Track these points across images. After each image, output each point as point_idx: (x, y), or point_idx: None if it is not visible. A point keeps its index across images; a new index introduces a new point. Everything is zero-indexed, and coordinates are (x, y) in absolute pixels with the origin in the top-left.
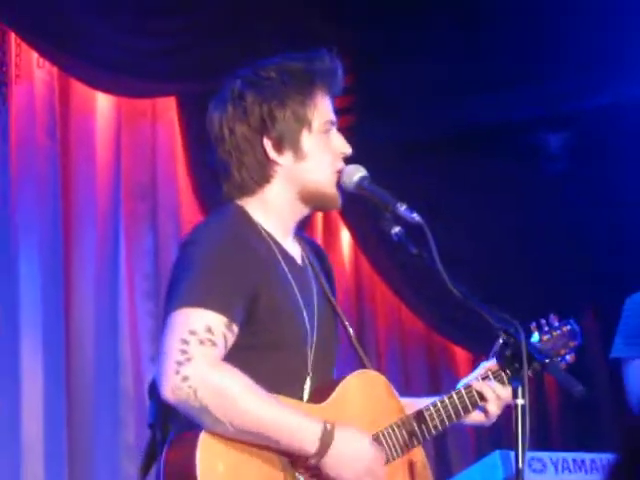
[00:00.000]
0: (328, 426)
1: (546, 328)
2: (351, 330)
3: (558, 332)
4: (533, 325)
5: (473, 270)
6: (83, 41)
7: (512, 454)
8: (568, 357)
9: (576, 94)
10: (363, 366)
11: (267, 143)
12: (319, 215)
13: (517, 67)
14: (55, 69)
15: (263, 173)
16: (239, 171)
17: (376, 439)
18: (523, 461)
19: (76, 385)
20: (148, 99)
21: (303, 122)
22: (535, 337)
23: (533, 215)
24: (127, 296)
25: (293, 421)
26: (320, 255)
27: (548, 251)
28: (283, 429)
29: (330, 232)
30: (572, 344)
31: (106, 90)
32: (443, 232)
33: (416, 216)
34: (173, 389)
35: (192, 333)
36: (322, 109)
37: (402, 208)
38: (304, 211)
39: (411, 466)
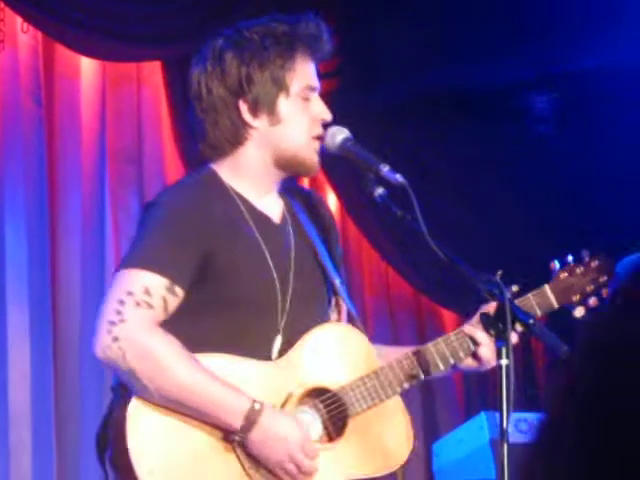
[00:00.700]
0: (257, 405)
1: (569, 264)
2: (338, 284)
3: (582, 268)
4: (554, 262)
5: (461, 233)
6: (67, 5)
7: (498, 415)
8: (598, 295)
9: (564, 57)
10: (351, 319)
11: (242, 105)
12: (305, 179)
13: (505, 30)
14: (39, 34)
15: (237, 135)
16: (213, 131)
17: (342, 390)
18: (508, 421)
19: (63, 350)
20: (133, 63)
21: (280, 86)
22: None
23: (522, 177)
24: (113, 259)
25: (220, 394)
26: (317, 209)
27: (537, 213)
28: (209, 401)
29: None
30: (602, 280)
31: (91, 55)
32: (431, 196)
33: (399, 177)
34: (103, 348)
35: (129, 294)
36: (302, 74)
37: (385, 169)
38: (280, 174)
39: (388, 418)
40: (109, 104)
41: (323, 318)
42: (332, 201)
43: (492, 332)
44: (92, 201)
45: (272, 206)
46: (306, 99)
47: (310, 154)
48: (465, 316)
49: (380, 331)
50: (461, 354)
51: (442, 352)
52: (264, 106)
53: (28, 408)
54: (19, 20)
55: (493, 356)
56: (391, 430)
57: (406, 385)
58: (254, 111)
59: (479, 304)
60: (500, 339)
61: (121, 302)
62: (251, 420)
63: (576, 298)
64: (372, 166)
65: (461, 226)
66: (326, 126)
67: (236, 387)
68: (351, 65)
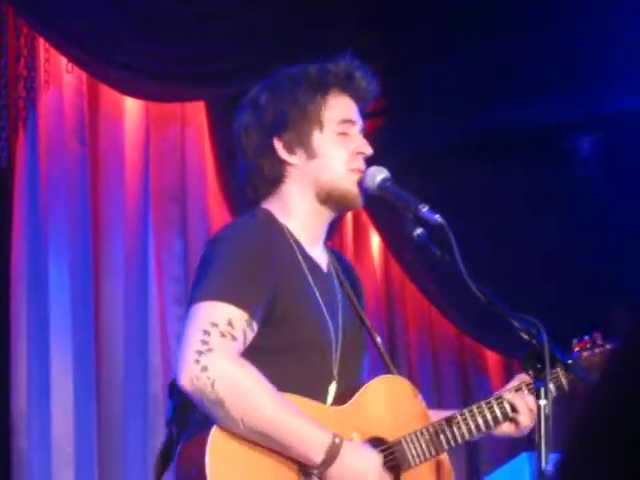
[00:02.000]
0: (337, 439)
1: (588, 345)
2: (378, 338)
3: (599, 349)
4: (575, 342)
5: (502, 276)
6: (111, 46)
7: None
8: None
9: (607, 98)
10: (389, 373)
11: (278, 144)
12: (349, 219)
13: (549, 71)
14: (84, 74)
15: (276, 174)
16: (258, 174)
17: (398, 444)
18: (546, 461)
19: (106, 390)
20: (177, 103)
21: (314, 121)
22: (576, 351)
23: (566, 220)
24: (157, 301)
25: (303, 427)
26: (348, 267)
27: (581, 257)
28: (292, 434)
29: (360, 236)
30: None
31: (134, 95)
32: (472, 238)
33: (438, 217)
34: (192, 378)
35: (214, 325)
36: (336, 108)
37: (424, 209)
38: (326, 213)
39: (435, 473)
40: (153, 144)
41: (364, 368)
42: (376, 242)
43: (531, 372)
44: (135, 241)
45: (320, 255)
46: (344, 134)
47: (350, 185)
48: (512, 357)
49: (423, 370)
50: (500, 419)
51: (484, 416)
52: (298, 142)
53: (71, 445)
54: (64, 60)
55: (531, 423)
56: None
57: (453, 444)
58: (289, 148)
59: (519, 345)
60: (538, 379)
61: (206, 332)
62: (332, 454)
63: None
64: (411, 206)
65: (502, 269)
66: (369, 164)
67: (317, 422)
68: (396, 105)
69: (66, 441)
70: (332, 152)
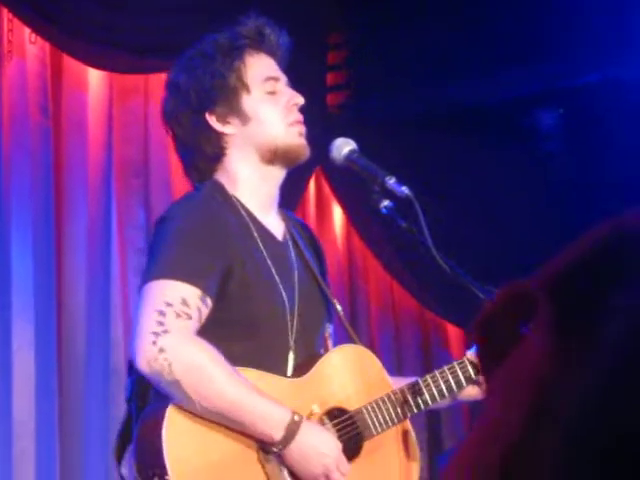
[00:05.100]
0: (296, 417)
1: None
2: (339, 307)
3: None
4: None
5: (466, 248)
6: (75, 17)
7: None
8: None
9: (569, 73)
10: (351, 342)
11: (210, 118)
12: (312, 192)
13: (510, 46)
14: (47, 45)
15: (216, 148)
16: (198, 155)
17: (360, 413)
18: None
19: (68, 362)
20: (140, 75)
21: (238, 87)
22: None
23: (527, 194)
24: (119, 272)
25: (262, 406)
26: (310, 236)
27: (541, 231)
28: (251, 413)
29: (323, 210)
30: None
31: (98, 66)
32: (436, 209)
33: (405, 189)
34: (149, 360)
35: (168, 305)
36: (256, 68)
37: (391, 181)
38: (275, 174)
39: (398, 440)
40: (116, 116)
41: (324, 336)
42: (338, 214)
43: None
44: (98, 213)
45: (275, 224)
46: (272, 93)
47: (292, 139)
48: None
49: (384, 344)
50: (463, 382)
51: (447, 381)
52: (230, 110)
53: (32, 418)
54: (27, 31)
55: None
56: (401, 452)
57: (416, 410)
58: (223, 119)
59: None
60: None
61: (161, 313)
62: (291, 432)
63: None
64: (378, 178)
65: (465, 241)
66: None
67: (276, 399)
68: (360, 78)
69: (27, 414)
70: (266, 111)
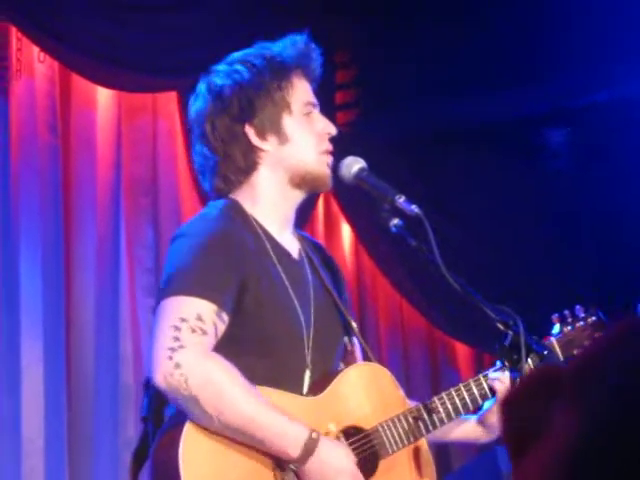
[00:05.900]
0: (314, 434)
1: (569, 319)
2: (354, 324)
3: (582, 323)
4: (555, 317)
5: (475, 265)
6: (84, 36)
7: None
8: None
9: (578, 91)
10: (367, 359)
11: (249, 131)
12: (320, 210)
13: (520, 64)
14: (56, 64)
15: (249, 161)
16: (225, 163)
17: (375, 431)
18: None
19: (76, 380)
20: (149, 93)
21: (282, 106)
22: (556, 329)
23: (535, 211)
24: (128, 291)
25: (279, 422)
26: (324, 255)
27: (552, 248)
28: (268, 429)
29: (331, 227)
30: (598, 335)
31: (106, 85)
32: (446, 228)
33: (415, 208)
34: (165, 375)
35: (183, 320)
36: (300, 92)
37: (401, 200)
38: (296, 196)
39: (413, 459)
40: (124, 134)
41: (341, 354)
42: (346, 233)
43: (507, 363)
44: (107, 231)
45: (291, 242)
46: (308, 115)
47: (321, 168)
48: (482, 350)
49: (393, 362)
50: (479, 400)
51: (463, 398)
52: (270, 127)
53: (41, 436)
54: (36, 50)
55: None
56: (416, 471)
57: (432, 428)
58: (262, 134)
59: (493, 337)
60: (514, 370)
61: (176, 328)
62: (309, 449)
63: (576, 352)
64: (388, 196)
65: (475, 259)
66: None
67: (293, 416)
68: (369, 97)
69: (36, 431)
70: (302, 135)
